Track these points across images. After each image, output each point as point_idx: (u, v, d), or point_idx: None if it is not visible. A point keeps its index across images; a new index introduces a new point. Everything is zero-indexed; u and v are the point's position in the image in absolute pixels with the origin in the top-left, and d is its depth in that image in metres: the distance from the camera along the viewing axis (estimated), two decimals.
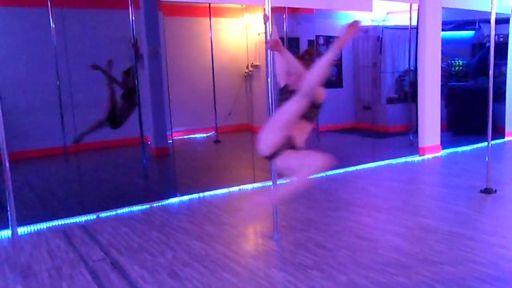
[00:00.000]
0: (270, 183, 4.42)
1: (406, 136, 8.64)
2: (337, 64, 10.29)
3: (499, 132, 8.88)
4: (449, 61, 10.15)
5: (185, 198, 5.68)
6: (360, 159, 7.26)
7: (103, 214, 5.11)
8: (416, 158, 7.60)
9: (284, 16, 8.18)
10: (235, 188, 6.03)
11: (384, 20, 10.36)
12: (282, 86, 3.43)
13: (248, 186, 6.11)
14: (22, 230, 4.59)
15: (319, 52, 9.77)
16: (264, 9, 4.17)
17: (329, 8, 7.49)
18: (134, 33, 6.32)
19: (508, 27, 8.77)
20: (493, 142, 5.99)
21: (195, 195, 5.77)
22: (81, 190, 6.00)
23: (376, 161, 7.28)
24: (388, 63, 10.08)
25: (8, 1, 6.95)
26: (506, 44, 8.88)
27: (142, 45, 7.06)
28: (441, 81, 8.01)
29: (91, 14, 7.22)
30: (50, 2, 5.82)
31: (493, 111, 5.57)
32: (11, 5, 6.96)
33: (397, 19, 10.05)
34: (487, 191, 5.44)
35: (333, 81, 10.23)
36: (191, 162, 7.65)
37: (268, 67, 4.26)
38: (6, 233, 4.44)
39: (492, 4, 5.36)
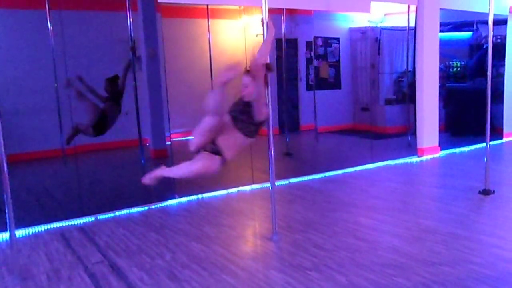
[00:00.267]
0: (268, 184, 4.41)
1: (405, 137, 8.65)
2: (335, 66, 10.30)
3: (497, 133, 8.89)
4: (447, 62, 10.17)
5: (184, 199, 5.68)
6: (359, 160, 7.27)
7: (101, 216, 5.10)
8: (415, 159, 7.61)
9: (282, 18, 8.19)
10: (233, 190, 6.03)
11: (382, 22, 10.38)
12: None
13: (247, 188, 6.10)
14: (20, 232, 4.58)
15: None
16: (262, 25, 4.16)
17: (327, 9, 7.49)
18: (132, 35, 6.32)
19: (506, 28, 8.79)
20: (491, 143, 6.00)
21: (194, 197, 5.77)
22: (79, 192, 5.98)
23: (374, 162, 7.29)
24: (386, 64, 10.09)
25: (6, 3, 6.94)
26: (503, 45, 8.90)
27: (140, 47, 7.05)
28: (439, 82, 8.01)
29: (89, 16, 7.21)
30: (48, 4, 5.81)
31: (491, 112, 5.57)
32: (9, 7, 6.96)
33: (395, 20, 10.06)
34: (486, 192, 5.44)
35: (331, 82, 10.24)
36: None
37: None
38: (4, 235, 4.43)
39: (489, 5, 5.38)
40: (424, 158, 7.66)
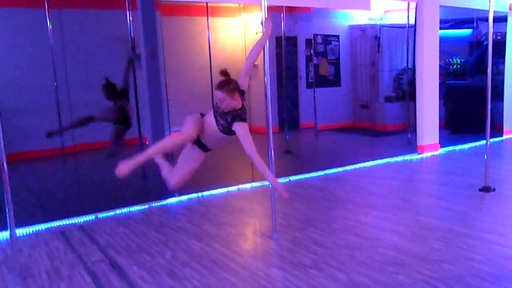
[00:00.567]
0: (268, 182, 4.41)
1: (405, 134, 8.64)
2: (335, 63, 10.29)
3: (497, 130, 8.89)
4: (447, 60, 10.15)
5: (184, 198, 5.68)
6: (359, 158, 7.27)
7: (101, 215, 5.11)
8: (415, 157, 7.61)
9: (281, 15, 8.17)
10: (233, 188, 6.03)
11: (381, 19, 10.36)
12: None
13: (247, 186, 6.11)
14: (20, 231, 4.58)
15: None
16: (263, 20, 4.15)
17: (327, 7, 7.48)
18: (132, 33, 6.31)
19: (506, 25, 8.77)
20: (492, 140, 6.00)
21: (194, 195, 5.77)
22: (79, 191, 5.98)
23: (374, 159, 7.29)
24: (386, 62, 10.07)
25: (4, 2, 6.93)
26: (504, 42, 8.89)
27: (140, 45, 7.04)
28: (439, 79, 8.01)
29: (88, 15, 7.20)
30: (47, 3, 5.80)
31: (491, 109, 5.56)
32: (8, 6, 6.95)
33: (395, 17, 10.04)
34: (486, 189, 5.44)
35: (331, 80, 10.23)
36: None
37: (266, 67, 4.25)
38: (5, 234, 4.43)
39: (490, 2, 5.36)
40: (424, 155, 7.65)
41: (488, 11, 5.42)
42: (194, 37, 9.10)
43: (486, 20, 5.53)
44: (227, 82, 3.66)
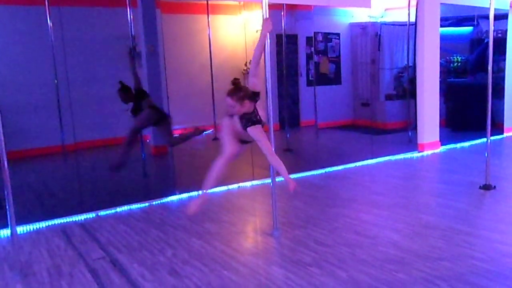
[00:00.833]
0: (269, 180, 4.41)
1: (405, 132, 8.64)
2: (336, 61, 10.28)
3: (498, 128, 8.88)
4: (447, 57, 10.14)
5: (184, 196, 5.68)
6: (359, 156, 7.26)
7: (102, 213, 5.11)
8: (415, 155, 7.61)
9: (282, 13, 8.17)
10: (234, 186, 6.03)
11: (382, 17, 10.35)
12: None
13: (247, 184, 6.10)
14: (21, 229, 4.58)
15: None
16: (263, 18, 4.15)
17: (327, 4, 7.47)
18: (132, 31, 6.31)
19: (507, 22, 8.76)
20: (492, 138, 5.99)
21: (194, 193, 5.75)
22: (80, 189, 5.99)
23: (375, 157, 7.29)
24: (386, 60, 10.07)
25: (5, 0, 6.94)
26: (504, 40, 8.88)
27: (140, 43, 7.04)
28: (440, 77, 8.00)
29: (88, 12, 7.20)
30: (48, 1, 5.80)
31: (491, 107, 5.56)
32: (8, 3, 6.95)
33: (395, 15, 10.04)
34: (486, 187, 5.44)
35: (331, 78, 10.23)
36: (190, 160, 7.64)
37: (266, 64, 4.25)
38: (5, 232, 4.43)
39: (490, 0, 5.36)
40: (425, 153, 7.65)
41: (488, 9, 5.41)
42: (195, 35, 9.09)
43: (487, 17, 5.52)
44: (237, 90, 3.81)
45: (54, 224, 4.82)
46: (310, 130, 9.62)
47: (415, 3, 7.75)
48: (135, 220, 4.90)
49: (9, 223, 3.67)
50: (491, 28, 5.47)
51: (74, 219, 4.93)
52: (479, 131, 7.19)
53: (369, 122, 9.48)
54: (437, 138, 7.90)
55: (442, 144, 7.94)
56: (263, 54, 4.05)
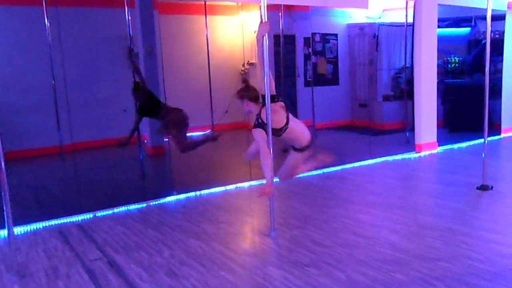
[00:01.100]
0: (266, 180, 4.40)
1: (403, 133, 8.65)
2: (333, 62, 10.29)
3: (495, 128, 8.90)
4: (445, 58, 10.16)
5: (182, 196, 5.68)
6: (357, 157, 7.27)
7: (99, 213, 5.10)
8: (413, 155, 7.61)
9: (280, 14, 8.17)
10: (231, 186, 6.03)
11: (380, 17, 10.36)
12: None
13: (245, 184, 6.10)
14: (18, 230, 4.57)
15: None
16: (261, 20, 4.16)
17: (325, 5, 7.47)
18: (130, 31, 6.30)
19: (504, 23, 8.78)
20: (489, 138, 6.00)
21: (192, 194, 5.76)
22: (77, 189, 5.98)
23: (372, 158, 7.29)
24: (384, 61, 10.08)
25: (2, 0, 6.92)
26: (502, 40, 8.89)
27: (138, 43, 7.04)
28: (437, 78, 8.01)
29: (86, 13, 7.20)
30: (45, 1, 5.79)
31: (489, 107, 5.57)
32: (6, 3, 6.93)
33: (393, 16, 10.05)
34: (484, 187, 5.45)
35: (329, 79, 10.23)
36: (188, 160, 7.62)
37: (265, 65, 4.25)
38: (2, 233, 4.42)
39: (488, 0, 5.37)
40: (422, 154, 7.66)
41: (486, 10, 5.42)
42: (192, 36, 9.09)
43: (484, 18, 5.54)
44: (241, 90, 4.16)
45: (51, 224, 4.82)
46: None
47: (412, 4, 7.76)
48: (132, 220, 4.89)
49: (6, 223, 3.67)
50: (488, 29, 5.48)
51: (71, 220, 4.92)
52: (476, 131, 7.20)
53: (367, 122, 9.49)
54: (434, 138, 7.91)
55: (439, 145, 7.95)
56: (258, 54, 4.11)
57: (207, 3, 8.56)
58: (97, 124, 7.17)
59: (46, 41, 5.96)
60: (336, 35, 10.21)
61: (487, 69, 5.48)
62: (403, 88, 9.49)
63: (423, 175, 6.79)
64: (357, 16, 10.27)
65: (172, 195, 5.67)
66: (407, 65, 9.07)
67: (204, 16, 8.60)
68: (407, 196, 5.50)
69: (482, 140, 5.67)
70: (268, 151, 3.99)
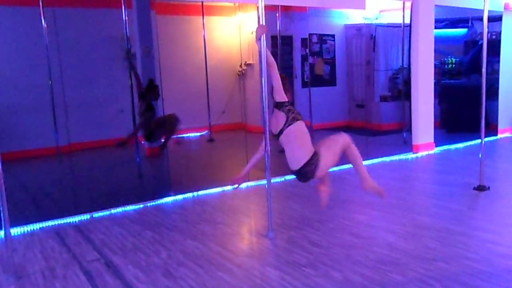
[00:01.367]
0: (264, 181, 4.41)
1: (400, 134, 8.66)
2: (331, 62, 10.30)
3: (492, 129, 8.92)
4: (442, 59, 10.19)
5: (179, 197, 5.67)
6: None
7: (96, 214, 5.09)
8: (410, 156, 7.63)
9: (277, 15, 8.17)
10: (229, 187, 6.02)
11: (377, 18, 10.38)
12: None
13: (242, 185, 6.09)
14: (15, 231, 4.56)
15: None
16: (258, 22, 4.19)
17: (322, 6, 7.49)
18: (127, 32, 6.29)
19: (501, 24, 8.81)
20: (486, 139, 6.01)
21: (189, 194, 5.76)
22: (74, 190, 5.97)
23: (370, 159, 7.30)
24: (381, 61, 10.10)
25: None
26: (498, 41, 8.92)
27: (135, 44, 7.03)
28: (434, 78, 8.03)
29: (83, 13, 7.19)
30: (42, 1, 5.78)
31: (486, 108, 5.58)
32: (2, 4, 6.92)
33: (390, 17, 10.07)
34: (480, 188, 5.46)
35: (326, 79, 10.24)
36: (185, 161, 7.63)
37: (262, 66, 4.25)
38: None
39: (484, 1, 5.38)
40: (419, 154, 7.67)
41: (483, 11, 5.44)
42: (190, 36, 9.09)
43: (481, 19, 5.54)
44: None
45: (48, 225, 4.81)
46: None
47: (409, 5, 7.78)
48: (129, 221, 4.88)
49: (3, 225, 3.66)
50: (485, 30, 5.49)
51: (68, 221, 4.91)
52: (473, 132, 7.22)
53: (364, 123, 9.50)
54: (431, 139, 7.93)
55: (436, 145, 7.97)
56: (266, 53, 4.06)
57: (204, 3, 8.56)
58: (94, 124, 7.16)
59: (43, 42, 5.94)
60: (333, 36, 10.22)
61: (484, 69, 5.49)
62: (400, 89, 9.50)
63: (420, 175, 6.80)
64: (354, 17, 10.28)
65: (169, 196, 5.67)
66: (404, 66, 9.09)
67: (201, 16, 8.60)
68: (404, 197, 5.51)
69: (479, 141, 5.68)
70: (261, 146, 4.21)
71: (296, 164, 3.99)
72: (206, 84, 8.73)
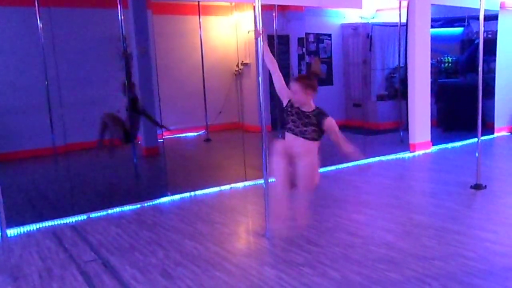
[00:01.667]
0: (261, 181, 4.41)
1: (397, 133, 8.67)
2: (327, 62, 10.30)
3: (488, 128, 8.93)
4: (438, 58, 10.19)
5: (176, 197, 5.66)
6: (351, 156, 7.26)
7: (93, 215, 5.08)
8: (407, 155, 7.63)
9: (273, 14, 8.16)
10: (226, 187, 6.02)
11: (373, 18, 10.39)
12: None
13: (240, 185, 6.09)
14: (11, 231, 4.54)
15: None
16: (255, 25, 4.19)
17: (319, 5, 7.48)
18: (123, 32, 6.28)
19: (497, 23, 8.82)
20: (483, 138, 6.02)
21: (186, 194, 5.75)
22: (71, 191, 5.95)
23: (367, 158, 7.30)
24: (378, 60, 10.11)
25: None
26: (494, 40, 8.93)
27: (131, 44, 7.02)
28: (431, 77, 8.04)
29: (79, 13, 7.17)
30: (38, 1, 5.76)
31: (482, 107, 5.59)
32: None
33: (386, 16, 10.08)
34: (477, 186, 5.47)
35: (323, 79, 10.24)
36: (182, 161, 7.62)
37: (259, 65, 4.25)
38: None
39: (480, 0, 5.39)
40: (416, 153, 7.68)
41: (479, 10, 5.44)
42: (186, 36, 9.08)
43: (477, 18, 5.55)
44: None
45: (45, 226, 4.79)
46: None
47: (406, 4, 7.78)
48: (126, 221, 4.87)
49: None
50: (482, 29, 5.50)
51: (65, 221, 4.90)
52: (470, 131, 7.24)
53: (361, 122, 9.51)
54: (428, 138, 7.94)
55: (433, 144, 7.98)
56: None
57: (200, 3, 8.55)
58: (90, 125, 7.14)
59: (39, 42, 5.92)
60: (330, 35, 10.23)
61: (480, 68, 5.50)
62: (397, 88, 9.51)
63: (417, 174, 6.81)
64: (351, 16, 10.29)
65: (167, 195, 5.66)
66: (401, 65, 9.10)
67: (197, 16, 8.59)
68: (402, 196, 5.51)
69: (475, 139, 5.69)
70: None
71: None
72: (203, 83, 8.73)
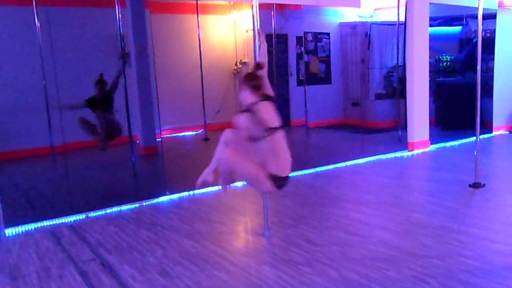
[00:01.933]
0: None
1: (395, 131, 8.68)
2: (326, 61, 10.31)
3: (486, 126, 8.94)
4: (437, 57, 10.20)
5: (175, 196, 5.66)
6: (350, 155, 7.28)
7: (92, 214, 5.07)
8: (405, 154, 7.64)
9: (272, 13, 8.17)
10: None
11: (372, 16, 10.39)
12: None
13: (238, 183, 6.08)
14: (9, 231, 4.54)
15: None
16: (254, 24, 4.20)
17: (317, 4, 7.48)
18: (121, 31, 6.27)
19: (495, 22, 8.83)
20: (481, 136, 6.02)
21: (185, 193, 5.74)
22: (69, 190, 5.95)
23: (365, 156, 7.31)
24: (376, 59, 10.11)
25: None
26: (493, 39, 8.93)
27: (129, 43, 7.01)
28: (429, 76, 8.04)
29: (77, 13, 7.16)
30: (35, 1, 5.75)
31: (480, 106, 5.59)
32: None
33: (384, 15, 10.08)
34: (476, 185, 5.47)
35: (322, 78, 10.25)
36: (180, 160, 7.61)
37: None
38: None
39: None
40: (415, 152, 7.69)
41: (477, 9, 5.44)
42: (184, 35, 9.08)
43: (476, 17, 5.55)
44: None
45: (43, 226, 4.78)
46: (300, 130, 9.64)
47: (404, 3, 7.78)
48: (125, 221, 4.87)
49: None
50: (480, 27, 5.50)
51: (63, 221, 4.89)
52: (469, 129, 7.24)
53: (359, 121, 9.52)
54: (427, 137, 7.94)
55: (432, 143, 7.98)
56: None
57: (199, 2, 8.55)
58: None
59: (37, 41, 5.92)
60: (328, 34, 10.23)
61: (478, 67, 5.50)
62: (396, 87, 9.52)
63: (416, 173, 6.82)
64: (349, 15, 10.30)
65: (165, 195, 5.65)
66: (399, 64, 9.10)
67: (196, 15, 8.59)
68: (400, 194, 5.52)
69: (474, 138, 5.70)
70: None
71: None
72: (201, 82, 8.73)
